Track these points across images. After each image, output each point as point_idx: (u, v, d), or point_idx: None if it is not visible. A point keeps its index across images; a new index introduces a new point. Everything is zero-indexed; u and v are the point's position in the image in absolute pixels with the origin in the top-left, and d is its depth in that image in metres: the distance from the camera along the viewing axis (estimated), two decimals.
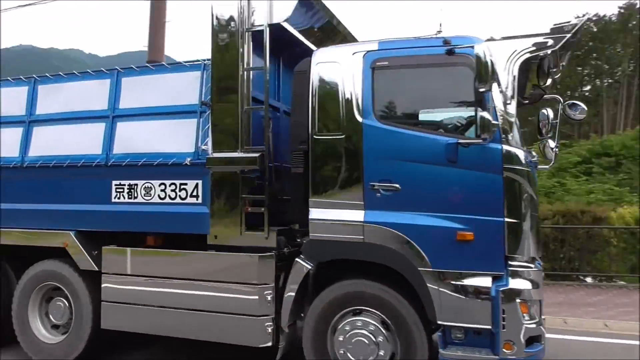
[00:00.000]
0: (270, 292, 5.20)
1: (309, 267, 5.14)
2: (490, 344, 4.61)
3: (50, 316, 6.37)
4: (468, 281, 4.62)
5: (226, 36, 5.37)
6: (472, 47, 4.61)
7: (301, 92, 5.24)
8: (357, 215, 4.90)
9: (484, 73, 4.43)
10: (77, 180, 6.01)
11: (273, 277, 5.22)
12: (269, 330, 5.14)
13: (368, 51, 5.08)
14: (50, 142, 6.17)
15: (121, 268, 5.74)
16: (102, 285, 5.82)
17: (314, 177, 5.14)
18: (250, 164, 5.28)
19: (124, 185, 5.76)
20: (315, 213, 5.06)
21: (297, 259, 5.19)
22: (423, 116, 4.98)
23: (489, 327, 4.55)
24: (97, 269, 5.92)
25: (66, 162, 6.04)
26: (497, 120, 4.59)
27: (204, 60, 5.60)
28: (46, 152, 6.16)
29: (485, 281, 4.59)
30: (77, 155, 5.98)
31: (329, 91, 5.12)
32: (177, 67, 5.80)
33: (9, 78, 6.64)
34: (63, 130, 6.12)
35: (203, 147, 5.40)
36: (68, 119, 6.11)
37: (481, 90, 4.48)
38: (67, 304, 6.25)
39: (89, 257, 5.96)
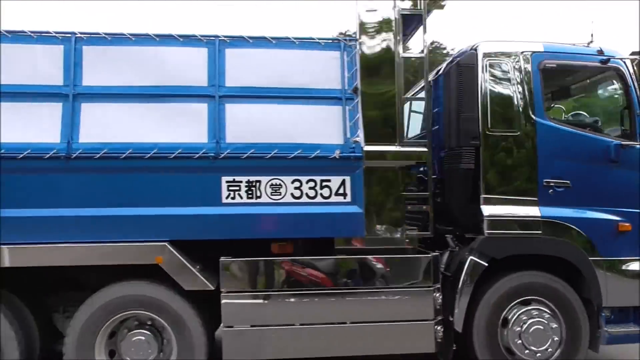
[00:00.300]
0: (439, 293, 4.97)
1: (485, 264, 5.06)
2: (634, 319, 5.23)
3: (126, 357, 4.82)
4: (629, 267, 5.16)
5: (379, 16, 4.88)
6: (624, 59, 5.20)
7: (468, 86, 5.09)
8: (533, 211, 5.09)
9: (633, 83, 5.16)
10: (167, 176, 4.58)
11: (440, 277, 5.02)
12: (440, 334, 4.91)
13: (535, 52, 5.23)
14: (112, 125, 4.55)
15: (250, 284, 4.71)
16: (225, 308, 4.67)
17: (486, 173, 5.08)
18: (417, 159, 5.02)
19: (240, 182, 4.62)
20: (488, 210, 5.07)
21: (471, 257, 5.05)
22: (583, 118, 5.50)
23: None
24: (212, 287, 4.72)
25: (151, 151, 4.51)
26: None
27: (343, 38, 4.85)
28: (109, 139, 4.53)
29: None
30: (167, 144, 4.54)
31: (500, 87, 5.12)
32: (307, 43, 4.79)
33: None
34: (135, 109, 4.54)
35: (355, 139, 4.67)
36: (144, 96, 4.59)
37: (631, 98, 5.16)
38: (154, 338, 4.78)
39: (198, 274, 4.68)
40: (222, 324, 4.76)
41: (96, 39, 4.66)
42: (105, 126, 4.58)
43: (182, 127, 4.61)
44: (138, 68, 4.64)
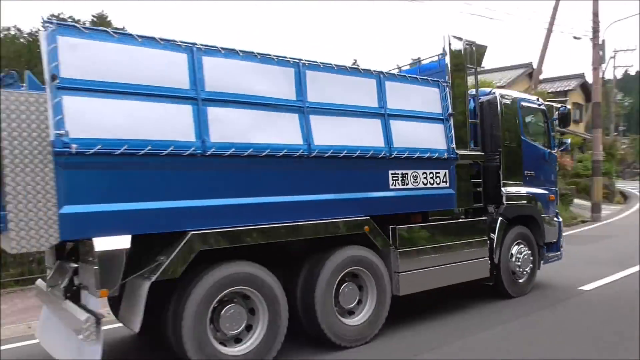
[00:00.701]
0: (488, 241, 8.22)
1: (506, 221, 8.67)
2: (554, 249, 9.59)
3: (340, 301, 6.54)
4: (552, 220, 9.47)
5: (461, 71, 7.85)
6: (546, 105, 9.75)
7: (495, 116, 8.46)
8: (522, 189, 8.94)
9: (550, 118, 9.60)
10: (360, 171, 6.43)
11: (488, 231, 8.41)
12: (489, 266, 8.19)
13: (518, 98, 9.11)
14: (333, 132, 6.14)
15: (412, 243, 7.08)
16: (400, 260, 6.94)
17: (503, 169, 8.59)
18: (476, 159, 8.23)
19: (398, 174, 6.89)
20: (505, 190, 8.66)
21: (500, 218, 8.49)
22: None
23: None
24: (393, 247, 6.95)
25: (356, 152, 6.34)
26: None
27: (440, 80, 7.45)
28: (333, 142, 6.13)
29: (556, 217, 9.52)
30: (363, 147, 6.38)
31: (507, 117, 8.60)
32: (423, 82, 7.25)
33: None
34: (341, 122, 6.23)
35: (452, 146, 7.42)
36: (348, 112, 6.28)
37: (548, 127, 9.62)
38: (357, 287, 6.66)
39: (386, 238, 6.89)
40: (396, 270, 6.82)
41: (213, 51, 5.47)
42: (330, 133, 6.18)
43: (369, 134, 6.45)
44: (253, 79, 5.65)
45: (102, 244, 4.72)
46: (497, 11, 66.98)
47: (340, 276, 6.44)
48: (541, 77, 31.77)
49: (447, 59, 7.76)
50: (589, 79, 31.75)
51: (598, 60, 26.09)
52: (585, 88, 38.24)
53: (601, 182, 23.97)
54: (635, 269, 10.28)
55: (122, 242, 4.77)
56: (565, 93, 38.76)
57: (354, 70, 6.58)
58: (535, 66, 29.66)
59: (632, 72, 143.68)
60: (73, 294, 5.37)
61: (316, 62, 6.22)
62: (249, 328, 5.72)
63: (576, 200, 27.29)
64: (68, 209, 4.61)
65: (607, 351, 5.92)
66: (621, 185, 41.48)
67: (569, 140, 10.02)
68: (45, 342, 6.05)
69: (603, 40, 26.67)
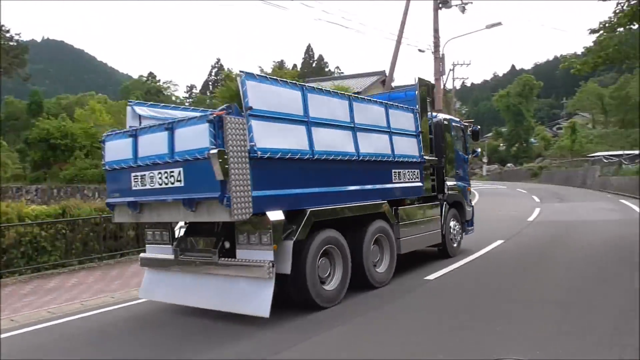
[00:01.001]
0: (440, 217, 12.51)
1: (449, 206, 12.96)
2: (469, 225, 14.22)
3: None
4: (470, 204, 14.06)
5: (424, 101, 11.83)
6: (465, 124, 16.33)
7: (442, 132, 12.75)
8: (455, 183, 13.34)
9: (465, 132, 14.30)
10: (379, 170, 10.05)
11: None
12: (441, 235, 12.51)
13: (448, 118, 14.09)
14: (366, 144, 9.58)
15: (406, 219, 10.92)
16: (400, 230, 10.75)
17: (446, 169, 12.88)
18: (435, 162, 12.35)
19: (397, 172, 10.62)
20: (447, 183, 12.90)
21: (445, 203, 12.73)
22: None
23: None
24: (397, 221, 10.71)
25: (379, 157, 9.92)
26: None
27: (414, 108, 11.36)
28: (368, 150, 9.58)
29: (471, 202, 14.13)
30: (381, 153, 10.01)
31: (448, 134, 12.98)
32: (407, 109, 11.05)
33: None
34: (369, 136, 9.72)
35: (422, 154, 11.38)
36: (373, 130, 9.84)
37: (464, 137, 14.30)
38: (378, 248, 10.20)
39: (394, 216, 10.66)
40: (397, 237, 10.52)
41: (313, 90, 8.77)
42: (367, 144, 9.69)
43: (382, 145, 10.08)
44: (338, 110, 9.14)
45: (273, 216, 7.74)
46: (352, 21, 72.43)
47: (373, 240, 9.89)
48: (393, 84, 36.11)
49: (417, 93, 11.77)
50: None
51: (439, 72, 30.01)
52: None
53: None
54: (472, 257, 12.41)
55: (280, 215, 7.86)
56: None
57: (374, 102, 10.17)
58: (387, 74, 30.19)
59: (468, 83, 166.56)
60: (226, 253, 8.25)
61: (357, 96, 9.86)
62: (330, 275, 8.88)
63: None
64: (255, 193, 7.44)
65: (448, 341, 6.64)
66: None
67: (479, 149, 15.17)
68: (170, 296, 8.88)
69: (443, 54, 30.78)
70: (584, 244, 13.53)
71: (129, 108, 9.63)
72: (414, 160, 11.21)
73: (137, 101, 9.98)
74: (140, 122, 9.39)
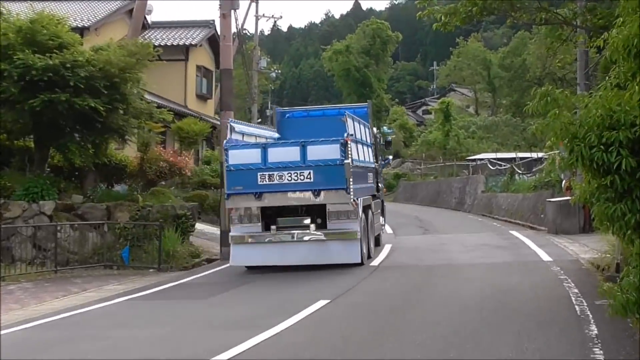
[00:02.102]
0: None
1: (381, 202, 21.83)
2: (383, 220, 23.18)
3: None
4: (384, 202, 23.18)
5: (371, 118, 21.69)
6: (383, 133, 25.87)
7: (377, 142, 22.34)
8: (381, 185, 22.33)
9: (386, 142, 26.19)
10: (368, 174, 19.16)
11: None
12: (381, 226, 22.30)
13: (379, 131, 24.83)
14: (363, 154, 18.35)
15: (375, 209, 20.09)
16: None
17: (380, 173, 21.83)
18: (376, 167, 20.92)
19: (371, 175, 19.41)
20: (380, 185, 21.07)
21: (382, 200, 22.59)
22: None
23: None
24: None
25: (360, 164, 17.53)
26: None
27: (367, 124, 20.16)
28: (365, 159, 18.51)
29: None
30: (371, 162, 19.40)
31: (379, 143, 22.21)
32: (368, 126, 20.64)
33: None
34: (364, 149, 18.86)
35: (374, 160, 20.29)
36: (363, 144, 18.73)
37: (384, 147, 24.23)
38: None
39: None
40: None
41: (368, 126, 20.14)
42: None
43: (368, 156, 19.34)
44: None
45: (358, 201, 16.45)
46: None
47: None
48: (150, 18, 28.64)
49: (370, 111, 20.15)
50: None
51: (229, 3, 20.85)
52: (216, 45, 29.01)
53: None
54: (271, 331, 9.63)
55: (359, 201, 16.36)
56: (186, 49, 33.56)
57: (364, 123, 18.86)
58: None
59: (283, 26, 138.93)
60: (320, 226, 16.15)
61: (360, 120, 18.54)
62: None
63: (200, 226, 22.55)
64: (354, 186, 15.80)
65: None
66: None
67: (390, 157, 22.83)
68: (265, 260, 16.57)
69: None
70: (453, 303, 11.58)
71: (229, 125, 17.30)
72: (372, 166, 19.10)
73: (235, 120, 18.72)
74: (231, 134, 17.00)
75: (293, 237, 15.81)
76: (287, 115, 21.08)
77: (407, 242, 22.62)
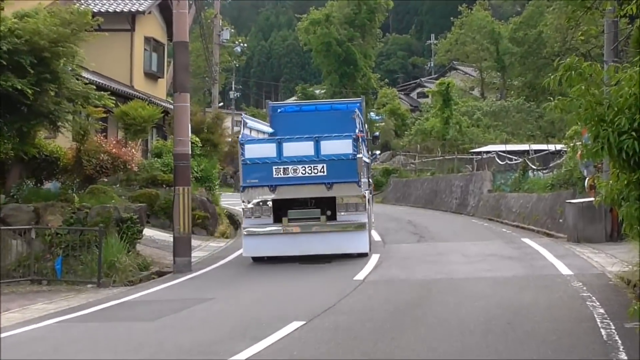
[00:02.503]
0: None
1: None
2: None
3: None
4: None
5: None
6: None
7: (368, 136, 28.77)
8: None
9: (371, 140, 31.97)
10: (365, 168, 23.19)
11: None
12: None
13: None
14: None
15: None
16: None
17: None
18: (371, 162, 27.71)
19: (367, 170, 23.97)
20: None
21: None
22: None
23: None
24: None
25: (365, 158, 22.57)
26: None
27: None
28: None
29: None
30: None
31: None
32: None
33: None
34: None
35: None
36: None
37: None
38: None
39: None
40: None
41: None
42: None
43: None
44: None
45: (366, 194, 21.93)
46: None
47: None
48: None
49: (363, 106, 26.32)
50: None
51: None
52: (169, 13, 29.67)
53: (188, 196, 20.35)
54: None
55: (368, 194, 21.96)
56: (132, 17, 33.52)
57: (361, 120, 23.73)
58: None
59: None
60: (329, 218, 20.51)
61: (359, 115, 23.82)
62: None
63: (149, 232, 22.73)
64: (362, 179, 20.86)
65: None
66: (228, 201, 38.38)
67: (378, 152, 29.31)
68: (277, 250, 21.21)
69: None
70: (452, 326, 11.76)
71: (242, 120, 22.34)
72: (368, 161, 24.01)
73: (247, 115, 27.04)
74: (244, 129, 21.65)
75: (304, 228, 20.06)
76: (279, 109, 25.99)
77: (398, 251, 23.31)
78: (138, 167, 25.29)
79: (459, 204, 40.92)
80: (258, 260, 20.78)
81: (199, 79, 60.95)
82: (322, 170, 19.59)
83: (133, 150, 24.72)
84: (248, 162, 19.76)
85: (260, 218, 20.33)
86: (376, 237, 27.19)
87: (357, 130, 20.08)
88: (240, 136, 20.86)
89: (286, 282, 16.99)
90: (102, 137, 24.40)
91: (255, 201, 20.32)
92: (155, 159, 28.17)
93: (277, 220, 20.25)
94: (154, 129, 30.55)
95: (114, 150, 23.17)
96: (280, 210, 20.22)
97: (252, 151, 19.89)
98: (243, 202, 20.57)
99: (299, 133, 20.41)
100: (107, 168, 23.05)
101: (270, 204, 20.19)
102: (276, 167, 19.68)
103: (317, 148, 19.62)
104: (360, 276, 17.74)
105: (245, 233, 20.37)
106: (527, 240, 24.75)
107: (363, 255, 20.13)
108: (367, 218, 20.49)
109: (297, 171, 19.67)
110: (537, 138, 47.63)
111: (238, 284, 17.06)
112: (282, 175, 19.70)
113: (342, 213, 20.18)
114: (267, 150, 19.92)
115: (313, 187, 19.85)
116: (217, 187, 32.67)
